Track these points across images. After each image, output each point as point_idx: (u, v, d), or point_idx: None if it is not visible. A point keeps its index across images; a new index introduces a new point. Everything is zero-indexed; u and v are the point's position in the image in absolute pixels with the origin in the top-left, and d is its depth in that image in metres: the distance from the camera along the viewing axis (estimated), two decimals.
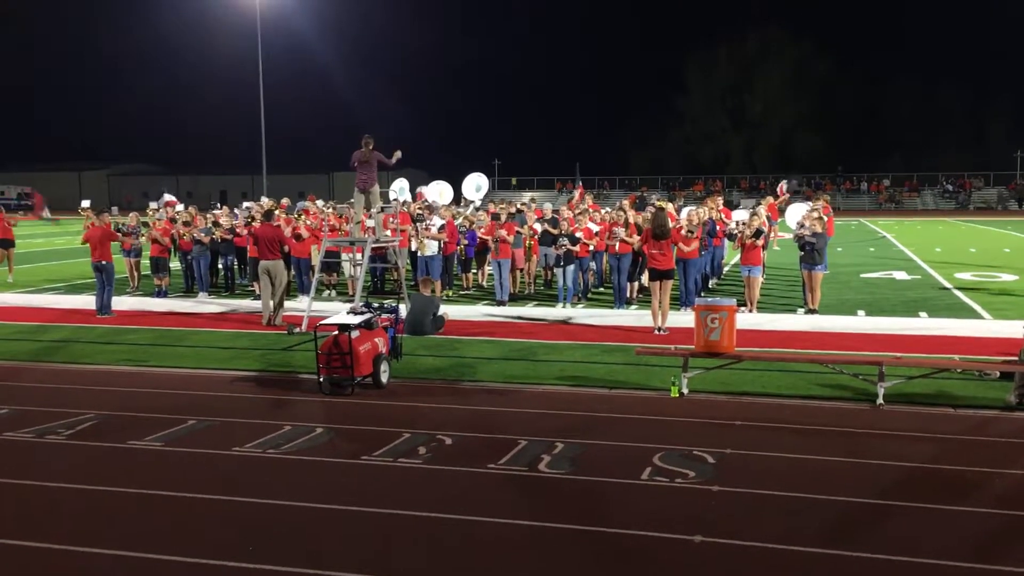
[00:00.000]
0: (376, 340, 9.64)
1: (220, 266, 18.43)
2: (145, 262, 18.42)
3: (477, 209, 21.21)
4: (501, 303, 15.56)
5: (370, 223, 14.74)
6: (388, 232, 15.12)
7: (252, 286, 17.18)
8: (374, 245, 14.21)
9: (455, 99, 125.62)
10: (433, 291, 14.61)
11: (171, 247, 18.35)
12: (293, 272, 16.66)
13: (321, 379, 9.33)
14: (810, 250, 13.97)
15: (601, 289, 17.54)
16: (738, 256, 15.43)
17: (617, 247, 14.82)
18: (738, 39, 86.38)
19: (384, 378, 9.56)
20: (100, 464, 7.12)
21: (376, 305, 10.50)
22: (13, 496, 6.44)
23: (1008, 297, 16.30)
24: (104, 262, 14.57)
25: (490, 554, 5.34)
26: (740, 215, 18.54)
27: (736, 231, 15.76)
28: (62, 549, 5.44)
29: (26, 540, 5.58)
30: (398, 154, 13.99)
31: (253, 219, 17.54)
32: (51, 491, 6.50)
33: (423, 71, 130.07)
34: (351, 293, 15.61)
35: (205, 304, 16.25)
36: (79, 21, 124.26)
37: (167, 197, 24.61)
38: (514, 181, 76.29)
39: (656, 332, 12.47)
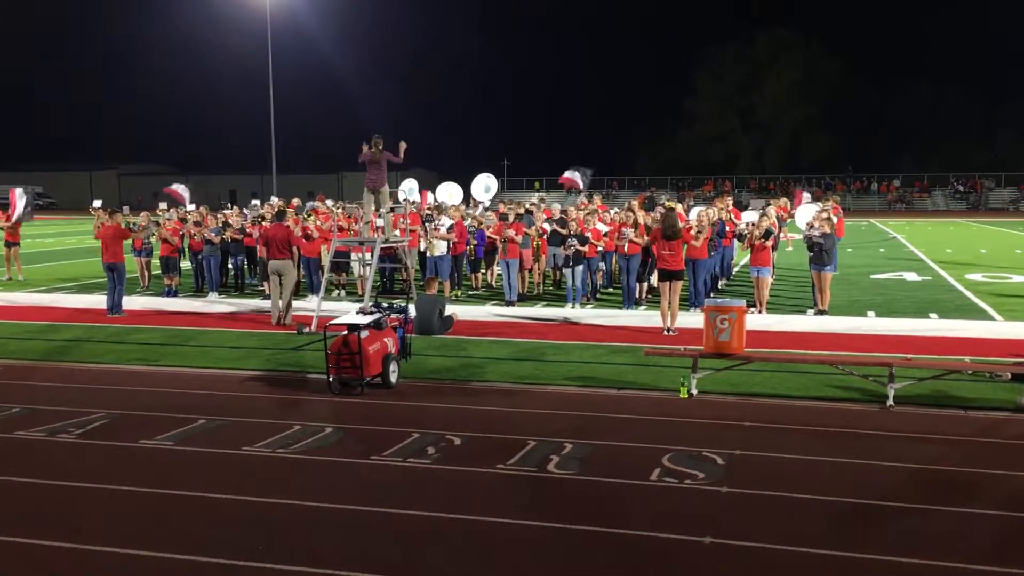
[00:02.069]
0: (385, 340, 9.66)
1: (230, 266, 18.50)
2: (155, 262, 18.50)
3: (486, 209, 21.23)
4: (510, 303, 15.56)
5: (380, 223, 14.76)
6: (397, 232, 15.14)
7: (262, 286, 17.24)
8: (383, 245, 14.23)
9: (465, 99, 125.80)
10: (441, 291, 14.63)
11: (181, 247, 18.42)
12: (303, 272, 16.71)
13: (330, 379, 9.35)
14: (819, 251, 13.94)
15: (610, 289, 17.52)
16: (747, 257, 15.40)
17: (626, 247, 14.80)
18: (748, 39, 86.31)
19: (393, 378, 9.58)
20: (111, 463, 7.15)
21: (385, 305, 10.53)
22: (24, 495, 6.48)
23: (1019, 298, 16.21)
24: (116, 263, 14.63)
25: (499, 554, 5.35)
26: (750, 216, 18.50)
27: (746, 232, 15.74)
28: (72, 547, 5.47)
29: (36, 539, 5.61)
30: (403, 146, 13.94)
31: (263, 218, 17.59)
32: (62, 490, 6.54)
33: (433, 71, 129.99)
34: (360, 293, 15.64)
35: (215, 304, 16.31)
36: (89, 21, 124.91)
37: (176, 187, 23.19)
38: (537, 185, 76.07)
39: (665, 333, 12.46)
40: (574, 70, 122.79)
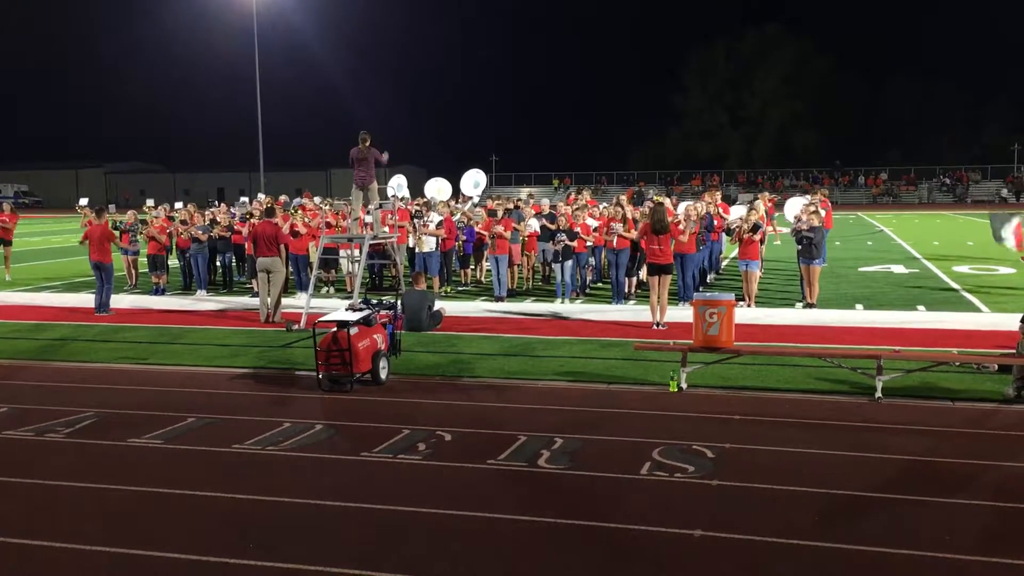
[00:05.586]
0: (375, 336, 9.63)
1: (218, 263, 18.43)
2: (143, 260, 18.41)
3: (475, 205, 21.21)
4: (499, 299, 15.56)
5: (368, 219, 14.72)
6: (386, 228, 15.11)
7: (250, 283, 17.18)
8: (372, 241, 14.20)
9: (453, 95, 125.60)
10: (430, 286, 14.60)
11: (169, 245, 18.34)
12: (291, 269, 16.65)
13: (320, 376, 9.33)
14: (807, 244, 13.98)
15: (599, 284, 17.54)
16: (736, 251, 15.44)
17: (615, 242, 14.81)
18: (737, 35, 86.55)
19: (383, 374, 9.56)
20: (100, 462, 7.12)
21: (375, 301, 10.50)
22: (13, 495, 6.44)
23: (1006, 290, 16.32)
24: (104, 261, 14.55)
25: (490, 550, 5.35)
26: (738, 210, 18.53)
27: (734, 226, 15.78)
28: (62, 547, 5.44)
29: (26, 539, 5.58)
30: (384, 157, 13.88)
31: (250, 215, 17.53)
32: (51, 489, 6.50)
33: (421, 67, 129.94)
34: (349, 290, 15.60)
35: (203, 302, 16.25)
36: (76, 20, 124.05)
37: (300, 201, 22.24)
38: (555, 182, 75.68)
39: (655, 327, 12.48)
40: (564, 66, 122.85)
